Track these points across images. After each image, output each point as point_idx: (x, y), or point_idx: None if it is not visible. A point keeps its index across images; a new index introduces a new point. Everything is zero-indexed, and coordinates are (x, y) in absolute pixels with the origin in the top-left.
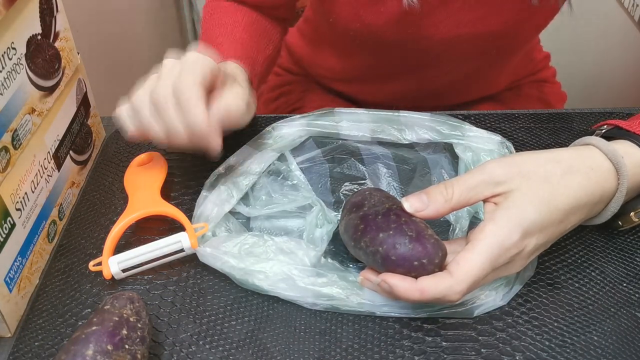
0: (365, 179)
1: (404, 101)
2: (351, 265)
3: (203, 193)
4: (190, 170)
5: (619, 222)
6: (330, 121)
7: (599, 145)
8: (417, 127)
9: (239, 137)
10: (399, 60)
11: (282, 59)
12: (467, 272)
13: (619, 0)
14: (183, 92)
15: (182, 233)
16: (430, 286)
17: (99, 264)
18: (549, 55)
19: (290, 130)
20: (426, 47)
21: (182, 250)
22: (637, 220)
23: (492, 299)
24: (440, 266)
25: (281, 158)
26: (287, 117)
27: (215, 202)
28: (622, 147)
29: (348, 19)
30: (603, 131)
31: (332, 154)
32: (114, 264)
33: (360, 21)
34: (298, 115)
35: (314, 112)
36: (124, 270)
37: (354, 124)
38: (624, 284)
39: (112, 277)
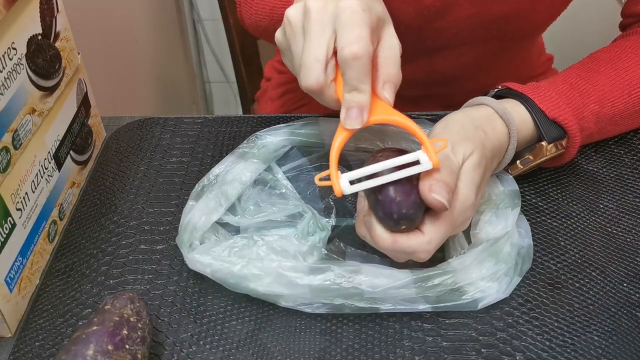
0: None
1: (413, 89)
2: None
3: (189, 202)
4: (191, 170)
5: (509, 171)
6: (314, 130)
7: (492, 104)
8: (401, 139)
9: (223, 144)
10: (411, 43)
11: None
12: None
13: (620, 1)
14: None
15: (418, 151)
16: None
17: (326, 178)
18: (552, 58)
19: (274, 139)
20: (442, 28)
21: (416, 163)
22: (521, 167)
23: (494, 291)
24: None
25: (266, 168)
26: (274, 120)
27: (203, 210)
28: (509, 105)
29: None
30: (495, 91)
31: (319, 162)
32: (343, 178)
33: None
34: (282, 125)
35: (298, 121)
36: (352, 183)
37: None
38: (624, 284)
39: (342, 192)
